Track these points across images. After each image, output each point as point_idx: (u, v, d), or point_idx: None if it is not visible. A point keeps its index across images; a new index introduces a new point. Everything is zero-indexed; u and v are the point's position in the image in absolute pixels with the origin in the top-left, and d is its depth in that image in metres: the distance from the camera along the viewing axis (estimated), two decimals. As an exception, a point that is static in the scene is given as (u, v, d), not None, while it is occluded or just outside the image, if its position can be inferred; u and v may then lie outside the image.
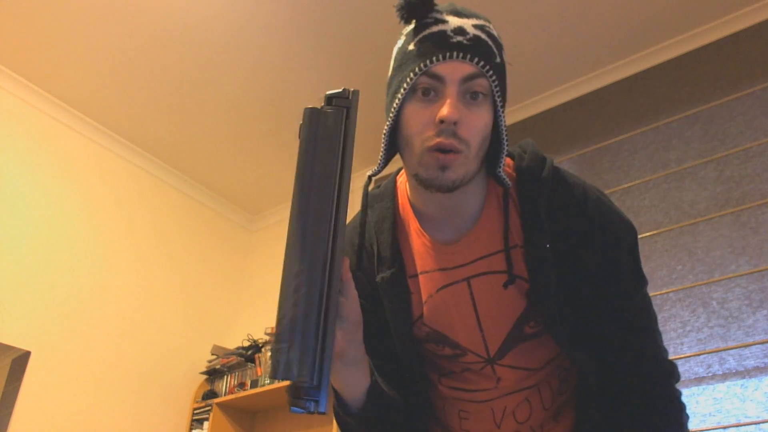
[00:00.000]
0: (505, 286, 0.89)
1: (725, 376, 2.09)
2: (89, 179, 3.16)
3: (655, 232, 2.45)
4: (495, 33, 0.87)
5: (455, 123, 0.80)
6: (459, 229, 0.92)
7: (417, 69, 0.82)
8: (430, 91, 0.82)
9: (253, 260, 3.93)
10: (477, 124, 0.82)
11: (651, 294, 2.37)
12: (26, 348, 2.66)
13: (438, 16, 0.84)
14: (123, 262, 3.18)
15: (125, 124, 3.25)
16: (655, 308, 2.26)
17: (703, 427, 2.06)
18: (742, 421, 2.00)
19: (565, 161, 2.86)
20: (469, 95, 0.82)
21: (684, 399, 0.96)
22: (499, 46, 0.86)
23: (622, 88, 2.84)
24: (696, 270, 2.30)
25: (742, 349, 2.09)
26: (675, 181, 2.50)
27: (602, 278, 0.90)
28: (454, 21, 0.84)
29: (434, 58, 0.81)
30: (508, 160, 0.95)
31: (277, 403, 3.16)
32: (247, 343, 3.30)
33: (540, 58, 2.85)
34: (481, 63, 0.81)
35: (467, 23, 0.84)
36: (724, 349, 2.12)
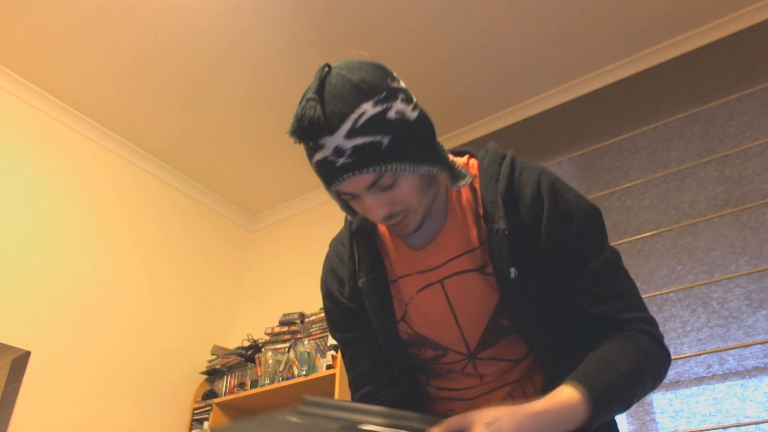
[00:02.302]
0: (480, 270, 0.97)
1: (725, 376, 2.09)
2: (89, 179, 3.16)
3: (655, 232, 2.46)
4: (371, 114, 0.85)
5: (388, 213, 0.90)
6: (429, 234, 0.99)
7: (331, 194, 0.92)
8: (353, 197, 0.91)
9: (254, 260, 3.93)
10: (401, 198, 0.89)
11: (651, 294, 2.38)
12: (26, 348, 2.66)
13: (317, 140, 0.86)
14: (123, 262, 3.18)
15: (126, 124, 3.25)
16: (655, 308, 2.26)
17: (703, 427, 2.06)
18: (742, 421, 2.00)
19: (565, 161, 2.86)
20: (381, 190, 0.88)
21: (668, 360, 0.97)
22: (381, 118, 0.85)
23: (622, 88, 2.84)
24: (696, 270, 2.30)
25: (742, 349, 2.09)
26: (675, 181, 2.50)
27: (565, 251, 0.95)
28: (329, 142, 0.85)
29: (334, 185, 0.87)
30: (474, 161, 1.03)
31: (277, 403, 3.16)
32: (247, 343, 3.30)
33: (540, 58, 2.85)
34: (371, 169, 0.84)
35: (339, 139, 0.84)
36: (724, 349, 2.13)
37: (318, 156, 0.87)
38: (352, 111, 0.84)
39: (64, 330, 2.82)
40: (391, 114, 0.86)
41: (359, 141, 0.84)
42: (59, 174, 3.03)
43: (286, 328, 3.12)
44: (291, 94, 3.05)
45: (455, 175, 0.95)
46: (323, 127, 0.85)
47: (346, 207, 0.97)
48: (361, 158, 0.84)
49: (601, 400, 0.85)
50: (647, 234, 2.47)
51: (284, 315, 3.21)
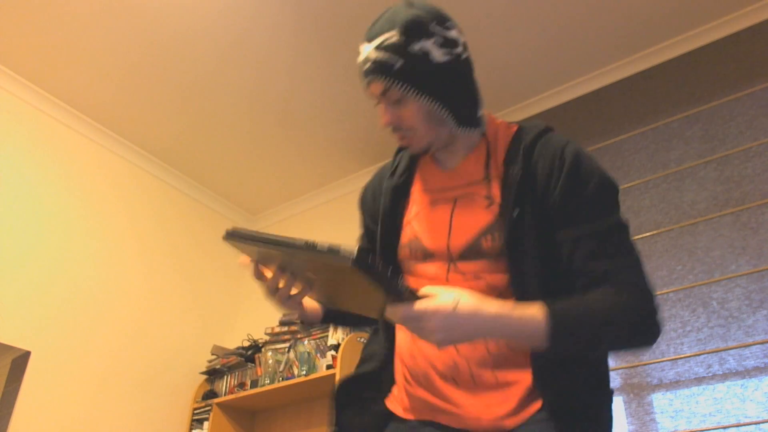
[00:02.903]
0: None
1: (725, 376, 2.09)
2: (89, 179, 3.16)
3: (655, 232, 2.46)
4: (395, 40, 1.04)
5: (392, 124, 1.10)
6: (457, 162, 1.15)
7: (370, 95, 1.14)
8: (378, 102, 1.12)
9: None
10: (408, 118, 1.08)
11: (651, 294, 2.37)
12: (26, 348, 2.66)
13: (362, 46, 1.11)
14: (123, 262, 3.19)
15: (126, 124, 3.25)
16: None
17: (703, 427, 2.06)
18: (742, 421, 2.00)
19: (565, 161, 2.86)
20: (391, 102, 1.08)
21: (659, 323, 0.98)
22: (401, 48, 1.04)
23: (622, 88, 2.84)
24: (696, 270, 2.30)
25: (742, 349, 2.09)
26: (675, 181, 2.50)
27: (575, 208, 1.02)
28: (364, 50, 1.09)
29: (364, 83, 1.11)
30: (511, 126, 1.18)
31: (277, 403, 3.16)
32: (247, 343, 3.30)
33: (540, 58, 2.85)
34: (380, 78, 1.05)
35: (370, 49, 1.07)
36: (724, 349, 2.13)
37: (359, 58, 1.11)
38: (383, 33, 1.05)
39: (64, 330, 2.82)
40: (414, 48, 1.04)
41: (379, 56, 1.05)
42: (59, 174, 3.03)
43: (286, 328, 3.12)
44: (291, 93, 3.05)
45: (462, 121, 1.09)
46: (366, 38, 1.09)
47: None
48: (377, 69, 1.05)
49: (562, 323, 0.91)
50: (647, 234, 2.47)
51: (284, 315, 3.20)
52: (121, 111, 3.16)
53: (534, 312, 0.91)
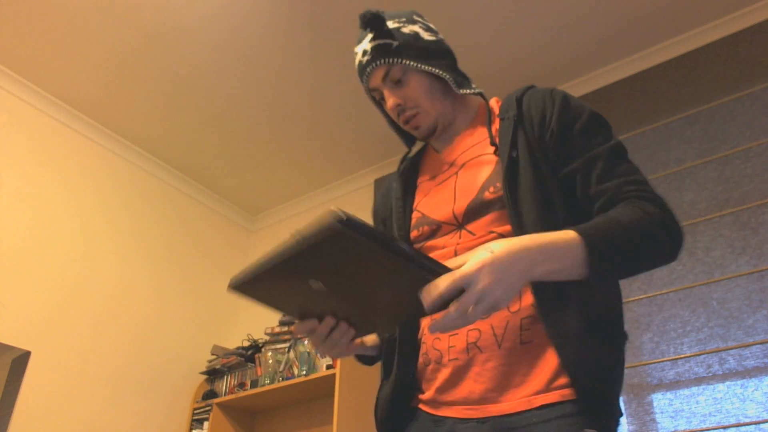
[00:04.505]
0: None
1: (725, 376, 2.09)
2: (89, 179, 3.16)
3: (655, 232, 2.45)
4: (387, 28, 1.13)
5: (398, 105, 1.14)
6: (452, 138, 1.20)
7: (369, 95, 1.20)
8: (379, 93, 1.17)
9: (253, 260, 3.93)
10: (411, 94, 1.13)
11: (651, 294, 2.38)
12: (26, 348, 2.66)
13: (356, 48, 1.19)
14: (123, 262, 3.19)
15: (125, 124, 3.25)
16: (655, 308, 2.25)
17: (703, 427, 2.06)
18: (742, 421, 2.00)
19: (565, 161, 2.86)
20: (394, 84, 1.14)
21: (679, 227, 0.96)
22: (396, 30, 1.14)
23: (622, 88, 2.84)
24: (696, 270, 2.30)
25: (742, 349, 2.09)
26: (675, 181, 2.50)
27: (570, 142, 1.04)
28: (359, 50, 1.16)
29: (364, 81, 1.17)
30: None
31: (277, 403, 3.16)
32: (247, 343, 3.30)
33: (540, 58, 2.85)
34: (381, 62, 1.12)
35: (366, 44, 1.14)
36: (724, 349, 2.12)
37: (356, 59, 1.17)
38: (375, 29, 1.13)
39: (64, 330, 2.82)
40: (405, 29, 1.14)
41: (376, 42, 1.12)
42: (59, 174, 3.03)
43: (286, 328, 3.12)
44: (291, 93, 3.05)
45: (461, 82, 1.15)
46: (359, 40, 1.17)
47: (384, 115, 1.23)
48: (376, 54, 1.12)
49: (599, 244, 0.87)
50: (647, 234, 2.46)
51: (284, 315, 3.20)
52: (118, 110, 3.16)
53: (566, 235, 0.86)
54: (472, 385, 0.97)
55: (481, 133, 1.15)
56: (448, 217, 1.08)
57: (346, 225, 0.70)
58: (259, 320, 3.57)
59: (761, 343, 2.07)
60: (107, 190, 3.23)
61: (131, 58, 2.86)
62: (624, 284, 2.42)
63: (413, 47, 1.13)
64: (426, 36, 1.16)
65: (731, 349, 2.11)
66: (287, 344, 3.07)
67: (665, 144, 2.60)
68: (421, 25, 1.17)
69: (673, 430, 2.11)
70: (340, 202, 3.69)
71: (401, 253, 0.74)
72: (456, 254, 1.04)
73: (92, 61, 2.87)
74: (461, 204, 1.07)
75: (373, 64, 1.12)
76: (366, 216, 3.57)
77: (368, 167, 3.59)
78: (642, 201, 0.95)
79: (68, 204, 3.02)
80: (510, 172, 1.02)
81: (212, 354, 3.32)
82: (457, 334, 1.00)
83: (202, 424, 3.12)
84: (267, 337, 3.17)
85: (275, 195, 3.84)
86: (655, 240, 0.92)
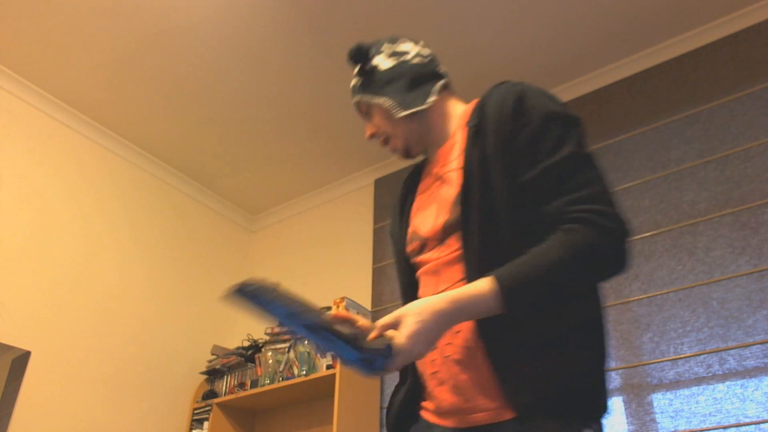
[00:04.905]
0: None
1: (725, 376, 2.09)
2: (89, 179, 3.16)
3: (655, 232, 2.46)
4: (356, 69, 1.25)
5: (372, 135, 1.25)
6: (438, 147, 1.23)
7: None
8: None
9: (253, 260, 3.93)
10: (378, 123, 1.22)
11: (651, 294, 2.38)
12: (26, 348, 2.66)
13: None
14: (123, 262, 3.19)
15: (125, 124, 3.25)
16: (655, 308, 2.26)
17: (703, 427, 2.06)
18: (742, 421, 2.00)
19: (565, 161, 2.86)
20: (365, 116, 1.26)
21: (617, 248, 0.93)
22: (361, 70, 1.23)
23: (622, 88, 2.84)
24: (696, 270, 2.30)
25: (742, 349, 2.09)
26: (675, 181, 2.50)
27: (518, 151, 1.01)
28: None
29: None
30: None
31: (277, 403, 3.16)
32: (247, 343, 3.30)
33: (540, 58, 2.85)
34: (353, 99, 1.26)
35: (354, 80, 1.27)
36: (724, 349, 2.12)
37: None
38: (355, 66, 1.26)
39: (64, 330, 2.82)
40: (367, 67, 1.22)
41: (353, 80, 1.26)
42: (59, 174, 3.03)
43: (286, 328, 3.12)
44: (291, 93, 3.05)
45: (409, 102, 1.18)
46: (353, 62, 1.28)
47: None
48: (351, 92, 1.26)
49: (516, 293, 0.90)
50: (647, 234, 2.47)
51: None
52: (118, 109, 3.16)
53: (482, 288, 0.91)
54: (451, 396, 1.01)
55: (457, 144, 1.15)
56: (432, 233, 1.11)
57: (239, 293, 0.84)
58: (259, 320, 3.57)
59: (761, 343, 2.07)
60: (107, 190, 3.23)
61: (131, 58, 2.86)
62: (624, 284, 2.43)
63: (370, 81, 1.21)
64: (384, 65, 1.20)
65: (731, 349, 2.12)
66: (287, 344, 3.07)
67: (665, 144, 2.60)
68: (385, 54, 1.22)
69: (673, 430, 2.11)
70: (340, 202, 3.69)
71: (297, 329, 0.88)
72: (437, 271, 1.09)
73: (92, 61, 2.87)
74: (440, 221, 1.09)
75: (352, 101, 1.26)
76: (367, 216, 3.55)
77: (368, 167, 3.59)
78: (580, 225, 0.92)
79: (68, 204, 3.02)
80: (464, 192, 1.03)
81: (212, 354, 3.32)
82: (437, 347, 1.03)
83: (202, 424, 3.12)
84: (267, 337, 3.17)
85: (275, 195, 3.84)
86: (578, 273, 0.92)
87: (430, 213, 1.13)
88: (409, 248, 1.17)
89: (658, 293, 2.34)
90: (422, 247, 1.13)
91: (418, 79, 1.19)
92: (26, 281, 2.74)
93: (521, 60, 2.86)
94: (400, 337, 0.88)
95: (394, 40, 1.25)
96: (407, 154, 1.23)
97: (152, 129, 3.29)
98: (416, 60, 1.20)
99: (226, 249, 3.83)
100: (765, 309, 2.10)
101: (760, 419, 1.97)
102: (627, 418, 2.21)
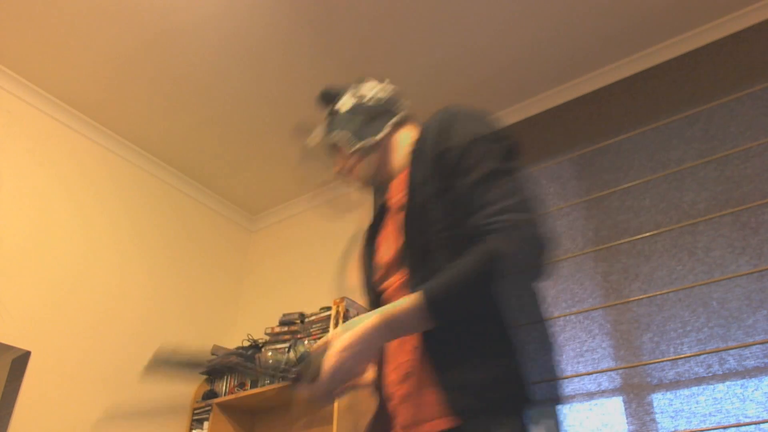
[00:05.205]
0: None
1: (725, 376, 2.09)
2: (89, 179, 3.16)
3: (655, 232, 2.46)
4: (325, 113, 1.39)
5: (338, 171, 1.35)
6: (393, 177, 1.29)
7: None
8: None
9: (254, 260, 3.93)
10: (340, 161, 1.34)
11: (651, 294, 2.38)
12: (26, 348, 2.66)
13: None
14: (123, 262, 3.19)
15: (126, 124, 3.25)
16: (655, 308, 2.25)
17: (703, 427, 2.06)
18: (742, 421, 2.00)
19: (565, 161, 2.86)
20: (335, 154, 1.37)
21: (504, 252, 0.96)
22: (329, 113, 1.37)
23: (622, 88, 2.84)
24: (696, 270, 2.30)
25: (742, 349, 2.09)
26: (675, 181, 2.50)
27: (445, 174, 1.07)
28: None
29: None
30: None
31: (277, 403, 3.16)
32: (247, 343, 3.30)
33: (540, 58, 2.85)
34: (322, 140, 1.37)
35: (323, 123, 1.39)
36: (724, 349, 2.13)
37: None
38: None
39: (64, 330, 2.82)
40: (332, 110, 1.35)
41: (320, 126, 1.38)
42: (59, 174, 3.03)
43: (286, 328, 3.12)
44: (291, 93, 3.05)
45: (363, 134, 1.28)
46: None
47: None
48: (320, 134, 1.37)
49: (436, 296, 0.95)
50: (647, 234, 2.47)
51: (284, 315, 3.21)
52: (118, 110, 3.16)
53: (411, 304, 0.96)
54: (406, 411, 1.06)
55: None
56: (389, 261, 1.19)
57: (154, 364, 0.99)
58: (259, 320, 3.57)
59: (761, 343, 2.07)
60: (107, 190, 3.23)
61: (131, 59, 2.86)
62: (624, 284, 2.43)
63: (333, 122, 1.34)
64: (345, 107, 1.32)
65: (731, 349, 2.12)
66: (287, 344, 3.07)
67: (665, 144, 2.60)
68: (348, 96, 1.34)
69: (673, 430, 2.11)
70: (340, 202, 3.69)
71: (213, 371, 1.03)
72: (392, 296, 1.15)
73: (92, 61, 2.87)
74: (393, 249, 1.17)
75: (322, 143, 1.37)
76: (367, 216, 3.55)
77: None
78: (494, 236, 0.96)
79: (68, 204, 3.02)
80: (406, 219, 1.10)
81: (212, 354, 3.31)
82: (387, 364, 1.13)
83: (202, 424, 3.12)
84: (267, 337, 3.17)
85: (275, 195, 3.84)
86: (492, 281, 0.96)
87: (390, 242, 1.20)
88: (375, 277, 1.24)
89: (658, 293, 2.34)
90: (384, 275, 1.20)
91: (374, 116, 1.30)
92: (26, 281, 2.74)
93: (521, 60, 2.86)
94: (325, 359, 0.97)
95: (358, 83, 1.36)
96: (367, 184, 1.31)
97: (152, 129, 3.29)
98: (372, 102, 1.31)
99: (226, 249, 3.83)
100: (765, 309, 2.10)
101: (760, 419, 1.97)
102: (627, 418, 2.21)
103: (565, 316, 2.52)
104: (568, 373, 2.40)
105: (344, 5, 2.59)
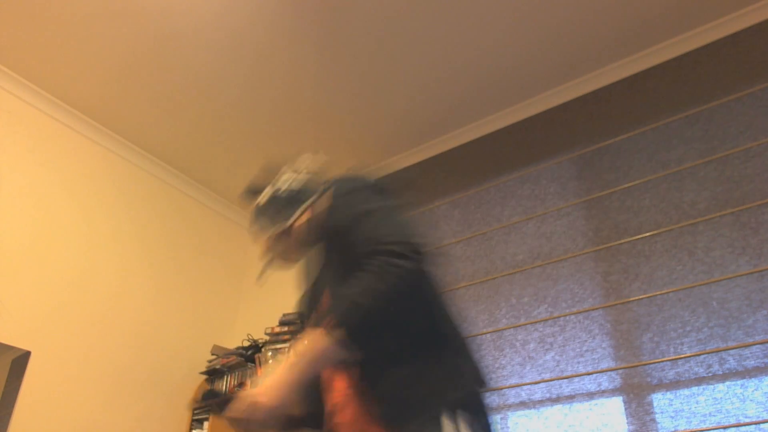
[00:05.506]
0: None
1: (725, 376, 2.09)
2: (89, 179, 3.16)
3: (655, 232, 2.46)
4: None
5: (265, 256, 1.50)
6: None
7: None
8: None
9: (254, 260, 3.93)
10: (264, 247, 1.48)
11: (651, 294, 2.38)
12: (26, 348, 2.66)
13: None
14: (123, 262, 3.19)
15: (125, 124, 3.25)
16: (655, 308, 2.25)
17: (703, 427, 2.06)
18: (742, 421, 2.00)
19: (565, 161, 2.86)
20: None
21: (397, 267, 1.11)
22: (254, 207, 1.50)
23: (622, 88, 2.84)
24: (696, 270, 2.30)
25: (742, 349, 2.09)
26: (675, 181, 2.50)
27: (337, 222, 1.26)
28: None
29: None
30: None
31: (277, 403, 3.16)
32: (247, 343, 3.30)
33: (540, 58, 2.85)
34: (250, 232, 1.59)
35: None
36: (724, 349, 2.13)
37: None
38: None
39: (64, 330, 2.82)
40: (256, 204, 1.49)
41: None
42: (60, 174, 3.03)
43: (286, 328, 3.12)
44: (291, 93, 3.06)
45: (275, 220, 1.43)
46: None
47: None
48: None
49: (335, 326, 1.08)
50: (647, 234, 2.47)
51: (284, 315, 3.21)
52: (120, 111, 3.17)
53: (317, 335, 1.10)
54: None
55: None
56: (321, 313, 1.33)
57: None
58: (259, 320, 3.57)
59: (761, 343, 2.07)
60: (108, 191, 3.23)
61: (132, 59, 2.86)
62: (624, 284, 2.43)
63: (256, 214, 1.49)
64: (264, 200, 1.47)
65: (731, 349, 2.12)
66: (287, 344, 3.07)
67: (665, 144, 2.60)
68: (268, 189, 1.48)
69: (673, 430, 2.11)
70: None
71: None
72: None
73: (93, 61, 2.87)
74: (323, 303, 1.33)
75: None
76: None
77: (368, 167, 3.59)
78: (360, 272, 1.13)
79: (69, 204, 3.02)
80: (314, 282, 1.33)
81: (212, 354, 3.32)
82: (326, 398, 1.27)
83: (202, 424, 3.12)
84: (267, 337, 3.17)
85: (275, 195, 3.84)
86: (382, 289, 1.11)
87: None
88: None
89: (658, 293, 2.34)
90: (303, 324, 1.39)
91: (286, 204, 1.45)
92: (27, 281, 2.74)
93: (522, 61, 2.86)
94: (246, 401, 1.10)
95: (278, 175, 1.50)
96: (288, 262, 1.47)
97: (153, 129, 3.29)
98: (284, 193, 1.46)
99: (226, 249, 3.83)
100: (765, 309, 2.11)
101: (760, 419, 1.97)
102: (627, 418, 2.21)
103: (565, 316, 2.52)
104: (568, 373, 2.40)
105: (345, 7, 2.59)
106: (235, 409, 1.08)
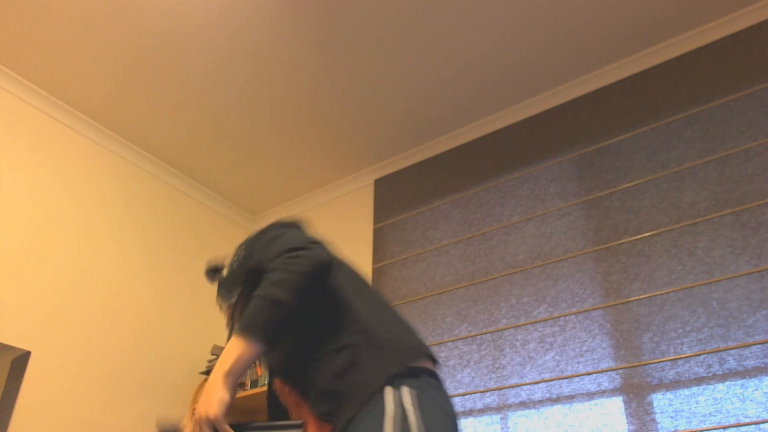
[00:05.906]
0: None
1: (725, 376, 2.09)
2: (89, 180, 3.16)
3: (655, 232, 2.46)
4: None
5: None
6: None
7: None
8: None
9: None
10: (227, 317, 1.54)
11: (651, 294, 2.38)
12: (26, 348, 2.66)
13: None
14: (123, 262, 3.19)
15: (126, 124, 3.25)
16: (655, 308, 2.26)
17: (703, 427, 2.06)
18: (742, 421, 2.00)
19: (565, 161, 2.86)
20: None
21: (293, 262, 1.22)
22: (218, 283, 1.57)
23: (622, 88, 2.84)
24: (696, 270, 2.30)
25: (742, 349, 2.09)
26: (675, 181, 2.50)
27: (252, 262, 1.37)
28: None
29: None
30: None
31: (277, 403, 3.16)
32: (247, 343, 3.30)
33: (540, 58, 2.85)
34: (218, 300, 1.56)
35: None
36: (724, 349, 2.13)
37: None
38: None
39: (64, 330, 2.82)
40: (218, 280, 1.54)
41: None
42: (59, 174, 3.03)
43: None
44: (291, 93, 3.06)
45: (226, 296, 1.48)
46: None
47: None
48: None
49: (246, 326, 1.16)
50: (647, 234, 2.47)
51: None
52: (120, 111, 3.16)
53: (233, 340, 1.18)
54: None
55: None
56: None
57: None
58: (259, 320, 3.56)
59: (761, 343, 2.07)
60: (108, 191, 3.23)
61: (132, 59, 2.86)
62: (624, 284, 2.43)
63: (217, 290, 1.56)
64: (224, 273, 1.53)
65: (731, 349, 2.12)
66: (287, 344, 3.07)
67: (665, 144, 2.60)
68: (225, 266, 1.53)
69: (673, 430, 2.11)
70: (340, 202, 3.69)
71: None
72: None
73: (93, 61, 2.87)
74: None
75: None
76: (367, 216, 3.54)
77: (368, 167, 3.59)
78: (264, 277, 1.22)
79: (68, 204, 3.02)
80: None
81: (212, 354, 3.31)
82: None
83: (202, 424, 3.12)
84: (267, 337, 3.16)
85: (275, 195, 3.84)
86: (280, 286, 1.21)
87: None
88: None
89: (658, 293, 2.34)
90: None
91: (232, 281, 1.52)
92: (27, 281, 2.74)
93: (522, 61, 2.86)
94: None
95: (236, 252, 1.58)
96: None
97: (153, 129, 3.29)
98: (228, 271, 1.53)
99: (226, 249, 3.83)
100: (765, 309, 2.11)
101: (760, 419, 1.97)
102: (627, 418, 2.21)
103: (565, 316, 2.52)
104: (568, 373, 2.40)
105: (345, 7, 2.59)
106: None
